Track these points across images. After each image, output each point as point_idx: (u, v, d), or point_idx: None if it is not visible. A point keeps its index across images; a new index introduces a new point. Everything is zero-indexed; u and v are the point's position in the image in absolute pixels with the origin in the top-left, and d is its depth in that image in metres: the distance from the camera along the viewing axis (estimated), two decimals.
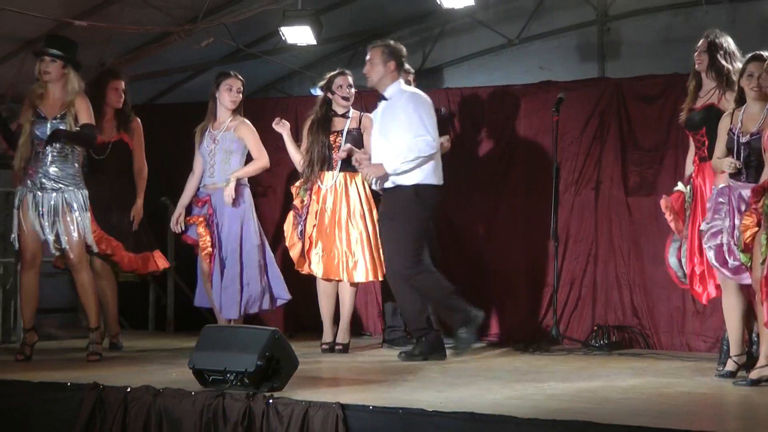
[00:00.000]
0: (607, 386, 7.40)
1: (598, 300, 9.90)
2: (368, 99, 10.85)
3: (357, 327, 10.51)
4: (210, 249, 9.15)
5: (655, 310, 9.70)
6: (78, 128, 8.39)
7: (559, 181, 9.62)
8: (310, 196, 9.36)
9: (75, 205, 8.42)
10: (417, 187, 8.85)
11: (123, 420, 6.75)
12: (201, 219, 9.23)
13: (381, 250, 9.15)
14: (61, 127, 8.35)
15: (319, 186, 9.33)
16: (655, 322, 9.70)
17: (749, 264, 7.34)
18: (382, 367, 8.50)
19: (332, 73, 9.55)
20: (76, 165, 8.55)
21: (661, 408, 6.58)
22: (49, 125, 8.36)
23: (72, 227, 8.42)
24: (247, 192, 9.33)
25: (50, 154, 8.39)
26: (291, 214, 9.46)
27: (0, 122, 8.53)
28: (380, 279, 9.32)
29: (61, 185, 8.39)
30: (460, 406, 6.32)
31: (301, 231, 9.35)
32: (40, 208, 8.37)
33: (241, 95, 9.34)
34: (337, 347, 9.29)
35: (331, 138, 9.35)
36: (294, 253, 9.40)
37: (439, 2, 10.58)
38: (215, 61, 11.92)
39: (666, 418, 6.18)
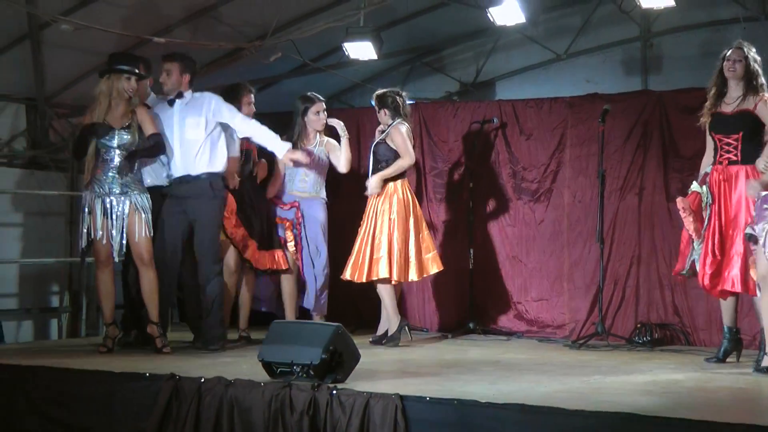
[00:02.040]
0: (650, 380, 7.36)
1: (641, 299, 9.84)
2: (425, 110, 10.87)
3: (414, 322, 10.51)
4: (295, 250, 9.49)
5: (695, 309, 9.62)
6: (147, 138, 8.52)
7: (604, 188, 9.56)
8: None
9: (141, 207, 8.47)
10: None
11: (197, 408, 6.79)
12: (288, 222, 9.52)
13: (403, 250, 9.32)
14: (125, 138, 8.45)
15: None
16: (695, 320, 9.63)
17: None
18: (438, 360, 8.51)
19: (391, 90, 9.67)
20: (140, 170, 8.67)
21: (701, 401, 6.55)
22: (116, 135, 8.44)
23: (141, 228, 8.46)
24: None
25: (118, 162, 8.46)
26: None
27: (82, 140, 8.54)
28: (363, 280, 9.42)
29: (128, 190, 8.46)
30: (512, 398, 6.31)
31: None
32: (111, 212, 8.43)
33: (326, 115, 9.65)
34: (384, 341, 9.36)
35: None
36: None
37: (491, 19, 10.55)
38: (283, 74, 11.97)
39: (706, 410, 6.14)
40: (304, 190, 9.62)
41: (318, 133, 9.66)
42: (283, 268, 9.45)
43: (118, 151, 8.46)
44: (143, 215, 8.48)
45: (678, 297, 9.71)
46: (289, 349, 6.90)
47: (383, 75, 12.67)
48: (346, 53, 10.84)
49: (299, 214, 9.56)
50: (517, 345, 9.67)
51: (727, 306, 8.35)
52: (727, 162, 8.18)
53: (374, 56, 10.77)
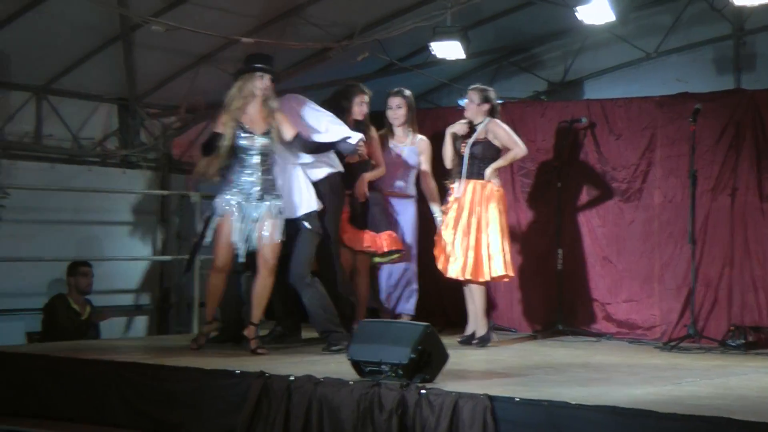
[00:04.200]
0: (744, 384, 7.23)
1: (734, 301, 9.69)
2: (513, 109, 10.81)
3: (503, 323, 10.46)
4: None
5: None
6: (292, 141, 8.40)
7: (695, 188, 9.43)
8: (447, 202, 9.44)
9: (277, 212, 8.37)
10: None
11: (287, 406, 6.79)
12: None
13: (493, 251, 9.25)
14: (266, 141, 8.34)
15: (451, 193, 9.37)
16: None
17: None
18: (526, 361, 8.43)
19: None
20: (275, 174, 8.53)
21: None
22: (257, 139, 8.31)
23: (274, 232, 8.32)
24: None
25: (258, 166, 8.34)
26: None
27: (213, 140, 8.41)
28: (484, 279, 9.32)
29: (266, 194, 8.35)
30: (602, 400, 6.23)
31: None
32: (247, 217, 8.30)
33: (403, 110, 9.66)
34: (474, 341, 9.30)
35: (462, 148, 9.38)
36: (437, 253, 9.47)
37: (580, 18, 10.45)
38: (370, 74, 11.97)
39: None
40: (394, 189, 9.61)
41: (410, 132, 9.65)
42: (385, 249, 9.42)
43: (258, 155, 8.33)
44: (278, 220, 8.35)
45: None
46: (377, 348, 6.88)
47: (470, 74, 12.61)
48: (433, 53, 10.80)
49: (389, 212, 9.58)
50: (607, 347, 9.58)
51: None
52: None
53: (461, 56, 10.72)
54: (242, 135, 8.31)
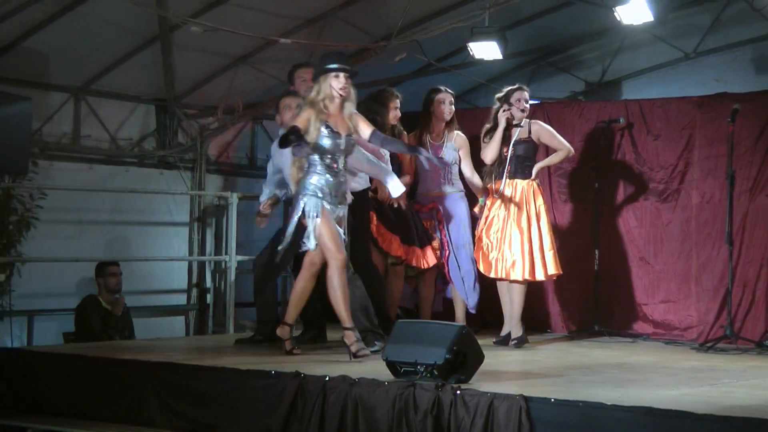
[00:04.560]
0: None
1: None
2: (551, 110, 10.78)
3: (538, 323, 10.44)
4: (443, 250, 9.50)
5: None
6: (370, 139, 8.18)
7: (734, 189, 9.37)
8: (485, 202, 9.39)
9: (349, 214, 8.16)
10: None
11: (322, 406, 6.79)
12: (430, 222, 9.56)
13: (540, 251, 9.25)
14: (351, 143, 8.10)
15: (494, 193, 9.32)
16: None
17: None
18: (561, 362, 8.40)
19: (511, 87, 9.50)
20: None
21: None
22: (344, 140, 8.02)
23: (343, 234, 8.10)
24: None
25: (341, 167, 8.07)
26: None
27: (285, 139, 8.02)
28: (541, 278, 9.33)
29: (345, 197, 8.15)
30: (638, 401, 6.20)
31: (478, 237, 9.41)
32: (330, 218, 8.04)
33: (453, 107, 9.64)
34: (511, 342, 9.26)
35: (503, 149, 9.33)
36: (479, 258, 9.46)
37: (618, 18, 10.41)
38: (408, 74, 11.99)
39: None
40: (439, 190, 9.62)
41: (446, 128, 9.66)
42: (427, 266, 9.43)
43: (342, 157, 8.08)
44: (349, 222, 8.18)
45: None
46: (413, 348, 6.88)
47: (508, 75, 12.60)
48: (471, 53, 10.80)
49: (441, 216, 9.56)
50: (643, 347, 9.53)
51: None
52: None
53: (499, 56, 10.70)
54: (327, 135, 8.00)
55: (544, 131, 9.47)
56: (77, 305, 10.31)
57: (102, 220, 10.95)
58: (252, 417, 7.10)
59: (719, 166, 9.82)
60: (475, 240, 9.47)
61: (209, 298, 11.60)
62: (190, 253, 11.56)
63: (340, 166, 8.07)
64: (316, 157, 7.99)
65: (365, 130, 8.17)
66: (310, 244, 8.01)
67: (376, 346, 8.32)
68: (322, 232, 7.97)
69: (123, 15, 9.86)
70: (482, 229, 9.40)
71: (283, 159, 8.62)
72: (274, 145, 8.65)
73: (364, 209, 8.88)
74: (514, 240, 9.23)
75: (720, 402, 6.37)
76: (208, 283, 11.63)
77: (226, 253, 11.19)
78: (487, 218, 9.38)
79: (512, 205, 9.27)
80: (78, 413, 7.69)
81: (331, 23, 10.74)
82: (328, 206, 7.98)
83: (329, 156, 8.02)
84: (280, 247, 8.25)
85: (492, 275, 9.35)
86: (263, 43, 10.63)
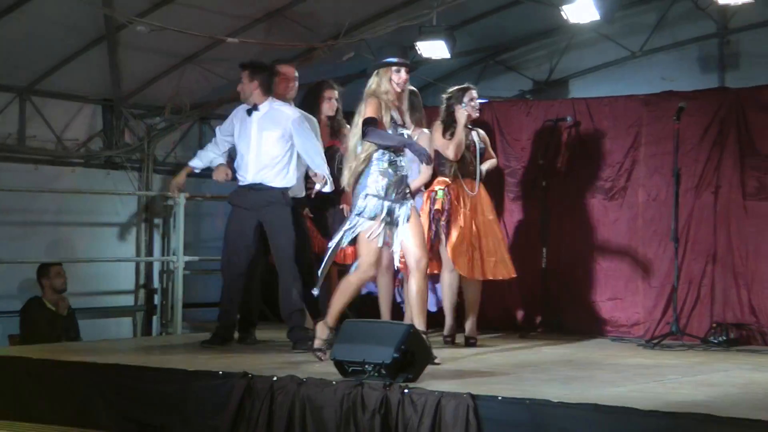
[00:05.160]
0: (726, 381, 7.25)
1: (717, 299, 9.73)
2: (499, 109, 10.83)
3: (487, 322, 10.46)
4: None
5: None
6: None
7: (679, 186, 9.46)
8: (450, 200, 9.36)
9: (412, 213, 7.76)
10: None
11: (270, 406, 6.79)
12: None
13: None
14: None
15: (459, 191, 9.32)
16: None
17: None
18: (509, 360, 8.44)
19: (459, 87, 9.50)
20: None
21: None
22: (406, 134, 7.77)
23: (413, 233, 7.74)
24: None
25: (405, 163, 7.82)
26: (425, 218, 9.48)
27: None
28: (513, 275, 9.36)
29: (407, 193, 7.82)
30: (585, 398, 6.24)
31: (436, 233, 9.37)
32: (397, 218, 7.72)
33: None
34: (470, 340, 9.30)
35: (470, 148, 9.35)
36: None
37: (565, 17, 10.47)
38: (356, 74, 11.97)
39: None
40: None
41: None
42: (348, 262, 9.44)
43: (404, 152, 7.78)
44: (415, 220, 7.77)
45: (755, 296, 9.58)
46: (361, 348, 6.88)
47: (456, 74, 12.62)
48: (419, 52, 10.82)
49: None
50: (591, 344, 9.60)
51: None
52: None
53: (447, 55, 10.73)
54: (393, 129, 7.72)
55: (486, 138, 9.56)
56: (22, 307, 10.23)
57: (47, 221, 10.86)
58: (200, 418, 7.08)
59: (665, 164, 9.90)
60: (436, 236, 9.41)
61: (157, 298, 11.54)
62: (138, 253, 11.50)
63: (404, 161, 7.80)
64: (379, 152, 7.69)
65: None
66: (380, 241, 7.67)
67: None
68: (362, 240, 7.65)
69: (69, 14, 9.79)
70: (460, 227, 9.34)
71: (242, 138, 8.69)
72: (239, 116, 8.76)
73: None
74: (483, 238, 9.26)
75: (666, 398, 6.42)
76: (156, 283, 11.57)
77: (173, 254, 11.14)
78: (452, 214, 9.34)
79: (479, 205, 9.31)
80: (24, 416, 7.64)
81: (279, 22, 10.73)
82: (388, 206, 7.66)
83: (398, 152, 7.74)
84: (334, 244, 7.84)
85: (484, 276, 9.31)
86: (210, 42, 10.59)
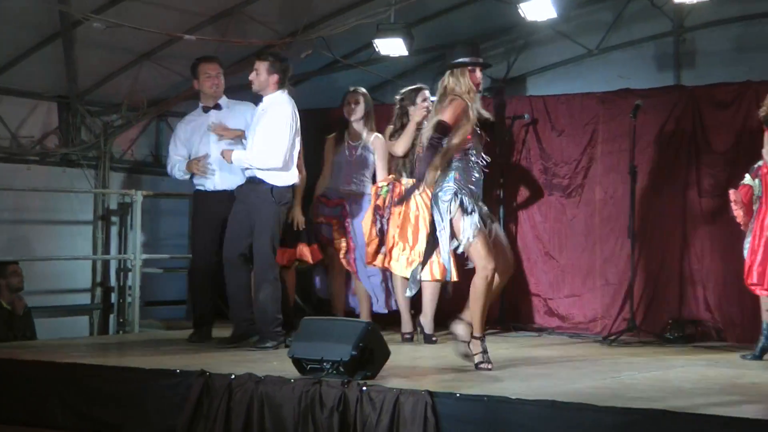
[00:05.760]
0: (682, 376, 7.33)
1: (673, 295, 9.81)
2: None
3: (444, 320, 10.47)
4: (348, 247, 9.53)
5: (728, 305, 9.58)
6: None
7: (636, 184, 9.53)
8: (392, 197, 9.41)
9: (469, 209, 7.53)
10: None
11: (228, 405, 6.80)
12: (335, 220, 9.59)
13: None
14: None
15: (401, 189, 9.36)
16: (727, 316, 9.59)
17: None
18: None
19: (411, 88, 9.55)
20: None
21: (733, 398, 6.50)
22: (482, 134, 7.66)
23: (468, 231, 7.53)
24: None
25: (477, 163, 7.65)
26: (371, 212, 9.50)
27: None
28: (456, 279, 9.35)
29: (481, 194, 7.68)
30: (542, 394, 6.29)
31: (380, 229, 9.41)
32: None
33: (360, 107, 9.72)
34: (433, 338, 9.34)
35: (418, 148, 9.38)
36: (370, 249, 9.46)
37: (522, 15, 10.52)
38: (314, 71, 11.98)
39: (738, 407, 6.11)
40: (349, 189, 9.64)
41: (365, 127, 9.69)
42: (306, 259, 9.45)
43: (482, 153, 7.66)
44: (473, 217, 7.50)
45: (710, 293, 9.67)
46: (319, 345, 6.91)
47: (414, 71, 12.63)
48: (377, 50, 10.83)
49: (346, 212, 9.57)
50: (549, 341, 9.66)
51: (766, 302, 8.29)
52: None
53: (405, 53, 10.74)
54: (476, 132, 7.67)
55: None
56: None
57: (3, 219, 10.76)
58: (157, 416, 7.08)
59: (622, 162, 9.97)
60: (386, 236, 9.44)
61: (114, 297, 11.49)
62: (94, 251, 11.43)
63: (481, 162, 7.66)
64: (461, 152, 7.56)
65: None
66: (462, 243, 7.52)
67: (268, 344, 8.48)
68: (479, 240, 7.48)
69: (23, 10, 9.72)
70: (397, 226, 9.38)
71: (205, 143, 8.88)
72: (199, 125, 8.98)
73: (268, 208, 8.86)
74: (416, 237, 9.29)
75: (623, 394, 6.48)
76: (113, 282, 11.52)
77: (131, 252, 11.09)
78: (400, 214, 9.37)
79: (420, 204, 9.33)
80: None
81: (237, 19, 10.69)
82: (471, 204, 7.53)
83: (474, 153, 7.62)
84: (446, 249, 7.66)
85: (406, 273, 9.31)
86: (167, 39, 10.54)
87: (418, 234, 9.26)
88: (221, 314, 9.50)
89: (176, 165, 9.26)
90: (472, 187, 7.55)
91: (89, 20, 9.69)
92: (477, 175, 7.60)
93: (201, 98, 9.37)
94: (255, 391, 6.76)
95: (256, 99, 9.02)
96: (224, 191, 9.03)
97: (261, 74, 8.75)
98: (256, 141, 8.69)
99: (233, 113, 9.20)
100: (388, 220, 9.40)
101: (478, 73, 7.71)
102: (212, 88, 9.26)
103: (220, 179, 9.10)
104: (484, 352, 7.53)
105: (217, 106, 9.25)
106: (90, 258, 11.40)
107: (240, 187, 8.83)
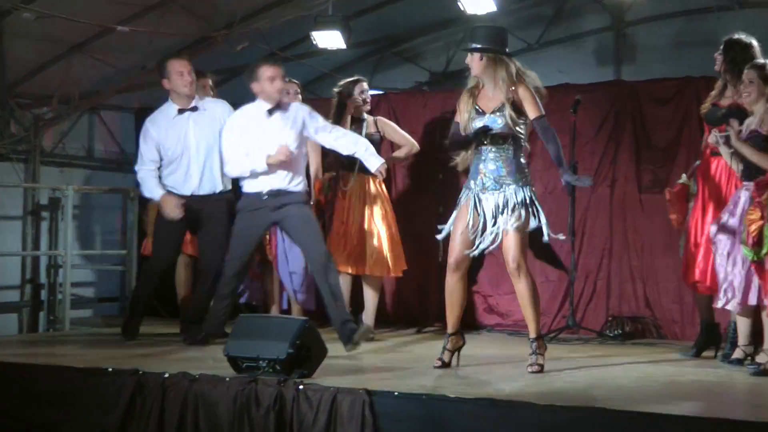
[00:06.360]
0: (622, 374, 7.36)
1: (613, 292, 9.86)
2: (395, 100, 10.84)
3: (383, 317, 10.48)
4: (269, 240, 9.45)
5: (668, 302, 9.64)
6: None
7: None
8: (334, 193, 9.38)
9: (511, 204, 7.46)
10: None
11: (161, 404, 6.74)
12: None
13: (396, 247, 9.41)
14: (489, 125, 7.48)
15: (341, 186, 9.35)
16: (667, 313, 9.65)
17: (753, 258, 7.29)
18: (406, 355, 8.48)
19: (350, 80, 9.51)
20: (522, 161, 7.63)
21: (673, 395, 6.54)
22: (487, 119, 7.54)
23: (507, 227, 7.45)
24: None
25: (488, 152, 7.52)
26: (312, 209, 9.47)
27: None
28: (399, 274, 9.48)
29: (501, 183, 7.48)
30: (481, 393, 6.30)
31: (323, 225, 9.38)
32: (480, 210, 7.48)
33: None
34: (371, 335, 9.25)
35: None
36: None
37: (462, 9, 10.54)
38: (251, 64, 11.90)
39: (678, 404, 6.15)
40: None
41: None
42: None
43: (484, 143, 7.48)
44: (516, 213, 7.44)
45: (650, 290, 9.73)
46: (255, 343, 6.86)
47: (352, 65, 12.63)
48: (315, 42, 10.80)
49: None
50: (488, 339, 9.67)
51: (703, 299, 8.36)
52: (710, 153, 8.20)
53: (343, 45, 10.74)
54: (476, 117, 7.68)
55: (387, 126, 9.60)
56: None
57: None
58: (90, 416, 7.00)
59: None
60: (331, 233, 9.40)
61: (44, 294, 11.36)
62: (24, 247, 11.30)
63: (484, 149, 7.55)
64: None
65: (531, 113, 7.70)
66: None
67: None
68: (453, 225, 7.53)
69: None
70: (341, 222, 9.36)
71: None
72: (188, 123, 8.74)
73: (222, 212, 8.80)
74: (369, 235, 9.28)
75: (562, 392, 6.51)
76: (43, 279, 11.38)
77: (62, 248, 10.97)
78: (342, 210, 9.34)
79: (363, 200, 9.31)
80: None
81: (171, 11, 10.60)
82: (475, 197, 7.50)
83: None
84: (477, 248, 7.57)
85: (350, 271, 9.32)
86: (100, 30, 10.44)
87: (359, 230, 9.26)
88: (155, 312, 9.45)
89: (150, 177, 8.79)
90: (481, 178, 7.55)
91: (19, 10, 9.56)
92: (486, 165, 7.55)
93: (173, 98, 8.82)
94: (189, 389, 6.70)
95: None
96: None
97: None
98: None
99: (211, 114, 8.87)
100: (331, 215, 9.36)
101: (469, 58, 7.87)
102: (187, 87, 8.80)
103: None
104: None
105: (194, 109, 8.81)
106: (19, 254, 11.26)
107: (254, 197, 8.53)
